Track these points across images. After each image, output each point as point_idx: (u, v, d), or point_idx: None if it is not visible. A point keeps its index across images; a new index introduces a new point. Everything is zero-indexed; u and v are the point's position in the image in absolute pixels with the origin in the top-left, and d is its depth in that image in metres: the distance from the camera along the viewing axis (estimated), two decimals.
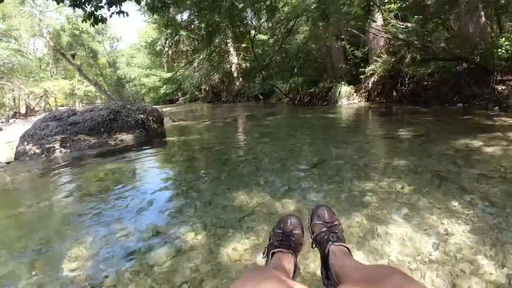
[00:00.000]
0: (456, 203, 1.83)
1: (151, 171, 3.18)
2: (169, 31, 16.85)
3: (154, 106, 6.43)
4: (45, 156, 4.18)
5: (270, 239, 1.04)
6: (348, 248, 0.92)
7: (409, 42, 6.93)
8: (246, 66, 17.24)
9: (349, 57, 9.58)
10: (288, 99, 12.01)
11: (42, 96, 23.85)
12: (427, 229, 1.58)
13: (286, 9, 11.34)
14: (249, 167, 2.87)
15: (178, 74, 19.04)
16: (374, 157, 2.94)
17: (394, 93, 7.91)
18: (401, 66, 7.62)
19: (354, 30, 9.05)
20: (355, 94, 9.07)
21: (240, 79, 17.43)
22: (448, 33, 6.98)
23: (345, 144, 3.53)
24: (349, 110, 7.56)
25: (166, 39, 18.06)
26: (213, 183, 2.54)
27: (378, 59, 8.08)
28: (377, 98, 8.49)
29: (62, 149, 4.23)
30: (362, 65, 8.76)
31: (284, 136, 4.51)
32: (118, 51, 30.59)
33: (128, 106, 5.42)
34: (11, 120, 17.92)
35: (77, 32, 21.67)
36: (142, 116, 5.27)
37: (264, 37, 14.50)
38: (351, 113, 7.06)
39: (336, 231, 0.99)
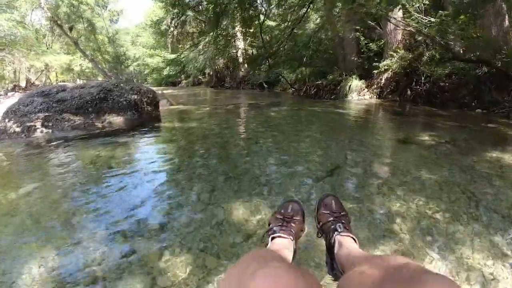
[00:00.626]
0: (499, 238, 1.50)
1: (136, 166, 2.71)
2: (176, 10, 16.20)
3: (150, 87, 5.94)
4: (25, 135, 3.76)
5: (269, 224, 1.00)
6: (354, 239, 0.88)
7: (432, 38, 6.41)
8: (252, 53, 16.66)
9: (362, 50, 9.03)
10: (293, 89, 11.53)
11: (43, 70, 23.28)
12: (468, 271, 1.28)
13: None
14: (251, 170, 2.46)
15: (182, 56, 18.51)
16: (397, 167, 2.51)
17: (409, 92, 7.42)
18: (418, 64, 7.13)
19: (370, 22, 8.48)
20: (366, 89, 8.57)
21: (246, 65, 16.87)
22: (472, 34, 6.47)
23: (361, 147, 3.11)
24: (359, 106, 7.09)
25: (172, 19, 17.48)
26: (206, 189, 2.12)
27: (394, 54, 7.58)
28: (390, 96, 8.00)
29: (44, 128, 3.79)
30: (376, 59, 8.24)
31: (291, 132, 4.07)
32: (120, 28, 29.61)
33: (122, 84, 4.90)
34: (9, 93, 17.38)
35: (75, 3, 20.78)
36: (136, 96, 4.77)
37: (273, 23, 13.87)
38: (363, 109, 6.59)
39: (343, 221, 0.95)
